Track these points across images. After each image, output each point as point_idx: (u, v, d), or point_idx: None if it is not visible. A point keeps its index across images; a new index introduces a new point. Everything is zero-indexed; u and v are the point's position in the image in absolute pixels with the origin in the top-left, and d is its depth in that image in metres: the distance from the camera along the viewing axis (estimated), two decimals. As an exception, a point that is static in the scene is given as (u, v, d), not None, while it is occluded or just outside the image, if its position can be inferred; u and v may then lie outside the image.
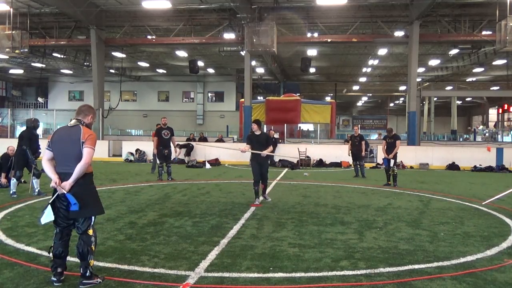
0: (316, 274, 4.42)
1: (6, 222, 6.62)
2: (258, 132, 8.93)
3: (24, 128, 10.86)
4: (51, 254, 4.10)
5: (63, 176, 4.03)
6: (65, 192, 3.97)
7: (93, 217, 4.15)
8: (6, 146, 11.19)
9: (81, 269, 4.02)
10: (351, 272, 4.48)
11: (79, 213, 4.03)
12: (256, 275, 4.38)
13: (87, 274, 4.00)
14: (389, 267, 4.67)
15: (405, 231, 6.43)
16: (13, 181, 9.19)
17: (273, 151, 9.52)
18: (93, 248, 4.07)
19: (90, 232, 4.09)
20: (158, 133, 12.41)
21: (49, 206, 4.09)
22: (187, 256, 4.97)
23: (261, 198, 8.84)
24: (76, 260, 4.25)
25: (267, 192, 9.27)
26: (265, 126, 27.54)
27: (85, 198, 4.04)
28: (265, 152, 8.65)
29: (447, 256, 5.15)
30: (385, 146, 12.43)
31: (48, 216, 4.08)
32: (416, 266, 4.71)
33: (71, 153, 4.04)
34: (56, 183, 3.98)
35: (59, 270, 4.06)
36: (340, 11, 20.68)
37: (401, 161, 19.04)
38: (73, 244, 4.25)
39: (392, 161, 12.14)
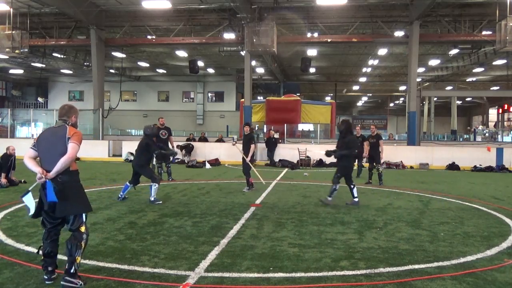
0: (316, 274, 4.42)
1: (6, 222, 6.62)
2: (247, 133, 10.82)
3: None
4: (40, 252, 4.15)
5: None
6: (47, 180, 3.97)
7: (83, 215, 4.15)
8: (6, 146, 11.20)
9: (67, 264, 4.01)
10: (351, 272, 4.48)
11: (63, 211, 4.03)
12: (256, 275, 4.38)
13: (72, 271, 3.98)
14: (389, 267, 4.67)
15: (405, 231, 6.43)
16: (155, 186, 8.58)
17: (254, 150, 10.94)
18: (82, 245, 4.07)
19: (83, 229, 4.11)
20: (156, 134, 12.39)
21: (30, 194, 4.14)
22: (187, 256, 4.97)
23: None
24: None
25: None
26: (265, 126, 27.66)
27: (72, 196, 4.05)
28: (248, 158, 10.48)
29: (447, 256, 5.15)
30: (368, 146, 12.74)
31: (31, 205, 4.14)
32: (416, 266, 4.72)
33: (56, 150, 4.05)
34: (41, 173, 3.98)
35: (49, 268, 4.10)
36: (340, 11, 20.67)
37: (401, 161, 19.07)
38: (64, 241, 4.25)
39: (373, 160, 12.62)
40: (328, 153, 9.01)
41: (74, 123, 4.31)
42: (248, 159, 10.49)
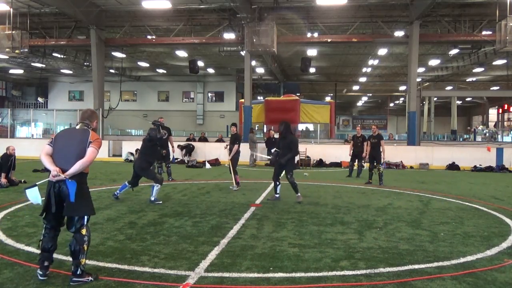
0: (316, 274, 4.42)
1: (6, 222, 6.62)
2: (233, 133, 11.07)
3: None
4: (39, 247, 4.20)
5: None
6: (67, 180, 3.99)
7: (85, 217, 4.17)
8: (6, 146, 11.19)
9: (72, 267, 4.09)
10: (351, 272, 4.48)
11: (71, 211, 4.05)
12: (256, 275, 4.38)
13: (78, 272, 4.05)
14: (389, 267, 4.67)
15: (405, 231, 6.43)
16: (157, 187, 8.61)
17: (237, 150, 10.92)
18: (85, 248, 4.11)
19: (84, 231, 4.13)
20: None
21: (36, 188, 4.19)
22: (187, 256, 4.97)
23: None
24: (70, 258, 4.28)
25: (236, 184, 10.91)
26: (264, 126, 27.64)
27: (80, 197, 4.08)
28: (230, 156, 10.84)
29: (447, 256, 5.15)
30: (369, 146, 12.82)
31: (34, 196, 4.18)
32: (416, 266, 4.72)
33: (73, 151, 4.11)
34: (58, 171, 4.01)
35: (45, 263, 4.13)
36: (340, 11, 20.67)
37: (401, 161, 19.07)
38: (66, 242, 4.29)
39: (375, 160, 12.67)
40: (274, 157, 9.36)
41: (95, 128, 4.43)
42: (229, 157, 10.82)
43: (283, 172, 9.17)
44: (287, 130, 9.05)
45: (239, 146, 10.89)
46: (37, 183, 4.29)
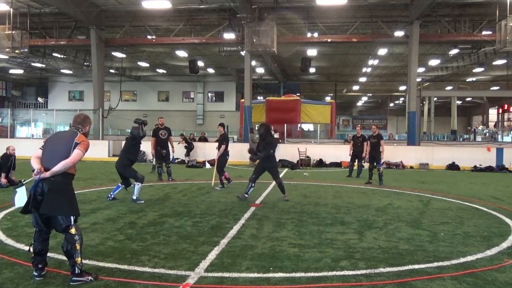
0: (316, 274, 4.42)
1: (6, 222, 6.62)
2: (221, 133, 11.28)
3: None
4: (31, 250, 4.20)
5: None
6: (40, 176, 4.00)
7: (71, 217, 4.14)
8: (6, 146, 11.20)
9: (70, 267, 4.10)
10: (351, 272, 4.48)
11: (50, 210, 4.03)
12: (256, 275, 4.38)
13: (76, 271, 4.05)
14: (389, 267, 4.67)
15: (405, 231, 6.43)
16: (138, 185, 8.61)
17: (225, 150, 10.93)
18: (77, 247, 4.08)
19: (73, 231, 4.10)
20: (155, 133, 12.42)
21: (23, 188, 4.23)
22: (187, 256, 4.97)
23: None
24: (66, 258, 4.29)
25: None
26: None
27: (59, 196, 4.06)
28: (216, 156, 10.93)
29: (447, 256, 5.15)
30: (369, 146, 12.85)
31: (20, 199, 4.22)
32: (416, 266, 4.71)
33: (59, 152, 4.13)
34: (39, 169, 4.03)
35: (39, 266, 4.16)
36: (340, 11, 20.68)
37: (401, 161, 19.07)
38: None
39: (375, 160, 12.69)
40: (252, 156, 9.41)
41: (86, 132, 4.46)
42: (216, 157, 10.90)
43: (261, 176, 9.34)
44: (267, 132, 9.23)
45: (226, 147, 10.84)
46: (24, 183, 4.31)
